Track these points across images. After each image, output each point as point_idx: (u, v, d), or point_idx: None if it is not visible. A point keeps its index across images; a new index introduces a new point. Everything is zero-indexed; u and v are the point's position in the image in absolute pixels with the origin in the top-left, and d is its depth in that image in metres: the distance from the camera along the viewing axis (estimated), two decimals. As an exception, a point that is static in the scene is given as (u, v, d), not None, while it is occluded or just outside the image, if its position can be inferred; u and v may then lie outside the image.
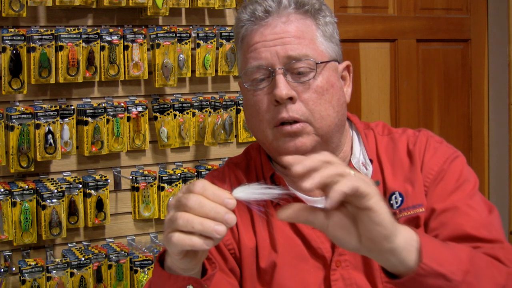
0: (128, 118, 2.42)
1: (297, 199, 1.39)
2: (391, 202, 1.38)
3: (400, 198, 1.38)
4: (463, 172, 1.40)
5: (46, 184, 2.28)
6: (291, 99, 1.32)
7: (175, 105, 2.51)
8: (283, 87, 1.31)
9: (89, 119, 2.33)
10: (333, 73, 1.37)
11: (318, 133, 1.34)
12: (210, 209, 1.03)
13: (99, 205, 2.36)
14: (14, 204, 2.21)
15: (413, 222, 1.37)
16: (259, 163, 1.46)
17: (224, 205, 1.03)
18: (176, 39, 2.47)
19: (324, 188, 0.97)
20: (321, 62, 1.34)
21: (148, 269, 2.38)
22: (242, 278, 1.38)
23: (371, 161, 1.42)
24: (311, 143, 1.34)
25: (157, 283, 1.16)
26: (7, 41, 2.20)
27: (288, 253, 1.37)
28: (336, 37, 1.41)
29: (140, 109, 2.44)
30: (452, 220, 1.32)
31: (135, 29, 2.42)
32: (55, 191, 2.24)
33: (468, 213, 1.32)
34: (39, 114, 2.23)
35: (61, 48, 2.26)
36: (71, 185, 2.31)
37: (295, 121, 1.32)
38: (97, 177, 2.36)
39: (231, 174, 1.46)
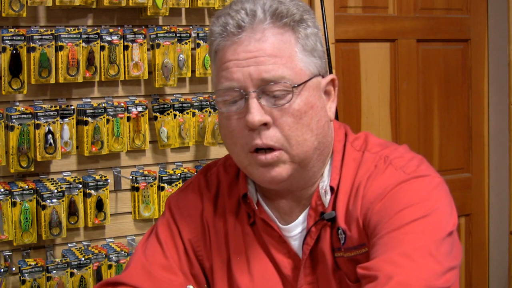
0: (128, 118, 2.42)
1: (268, 225, 1.34)
2: (339, 236, 1.28)
3: (343, 235, 1.27)
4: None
5: (46, 184, 2.28)
6: (265, 124, 1.21)
7: (175, 105, 2.51)
8: (256, 113, 1.20)
9: (89, 119, 2.33)
10: (313, 92, 1.25)
11: (294, 160, 1.24)
12: None
13: (99, 205, 2.35)
14: (14, 204, 2.21)
15: (356, 263, 1.24)
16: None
17: None
18: (176, 39, 2.47)
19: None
20: (299, 85, 1.22)
21: (148, 269, 2.38)
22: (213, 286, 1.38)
23: (331, 188, 1.30)
24: (287, 171, 1.25)
25: None
26: (7, 41, 2.20)
27: (261, 277, 1.35)
28: (319, 49, 1.28)
29: (140, 109, 2.44)
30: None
31: (135, 29, 2.42)
32: (55, 191, 2.24)
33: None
34: (39, 114, 2.23)
35: (61, 48, 2.26)
36: (71, 185, 2.31)
37: (270, 148, 1.23)
38: (97, 177, 2.36)
39: (212, 178, 1.45)
